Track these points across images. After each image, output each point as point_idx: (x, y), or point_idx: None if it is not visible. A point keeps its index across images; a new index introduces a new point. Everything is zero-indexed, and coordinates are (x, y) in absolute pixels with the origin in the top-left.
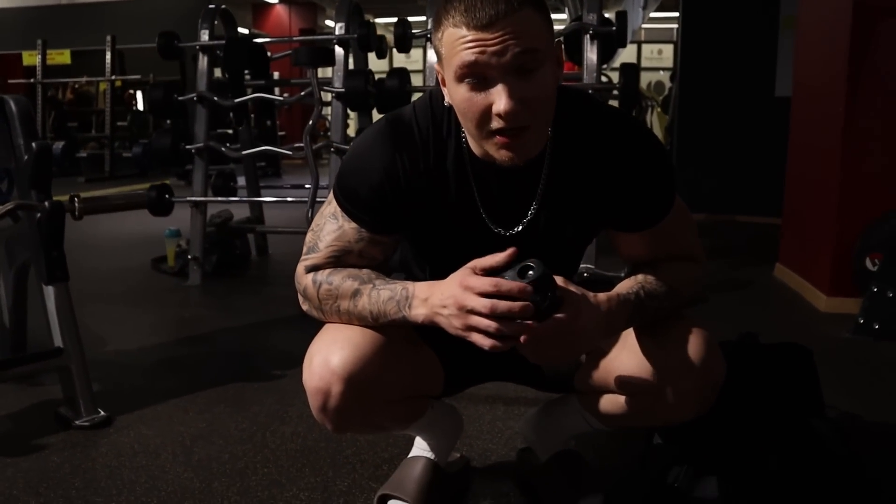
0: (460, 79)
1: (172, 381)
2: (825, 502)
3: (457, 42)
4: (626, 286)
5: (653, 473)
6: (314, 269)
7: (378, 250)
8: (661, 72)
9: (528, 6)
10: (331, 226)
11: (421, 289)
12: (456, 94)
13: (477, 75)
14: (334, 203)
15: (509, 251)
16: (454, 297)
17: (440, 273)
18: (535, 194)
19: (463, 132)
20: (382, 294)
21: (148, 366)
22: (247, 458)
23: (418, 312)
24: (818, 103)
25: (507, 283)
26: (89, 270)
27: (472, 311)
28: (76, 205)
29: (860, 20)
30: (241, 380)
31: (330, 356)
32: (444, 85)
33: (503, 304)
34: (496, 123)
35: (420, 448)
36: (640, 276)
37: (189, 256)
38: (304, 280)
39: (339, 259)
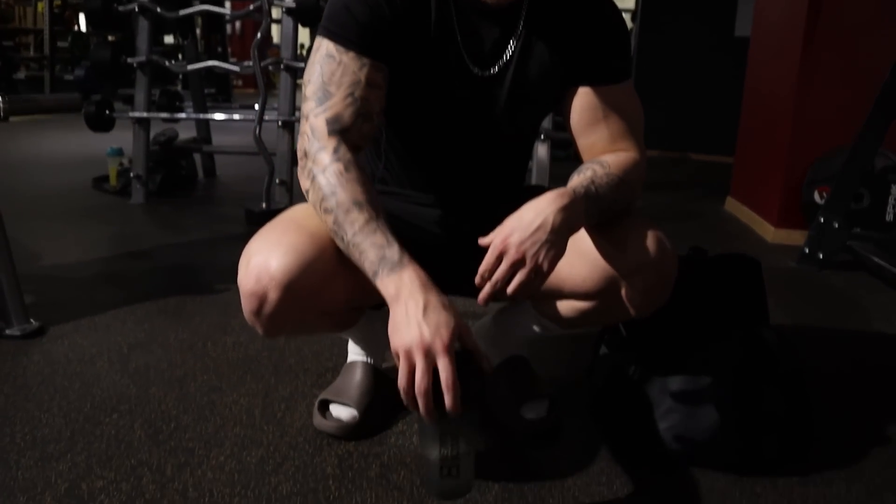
0: None
1: (111, 293)
2: (769, 408)
3: None
4: (576, 181)
5: (598, 380)
6: (337, 125)
7: (376, 95)
8: (623, 12)
9: None
10: (329, 66)
11: (416, 270)
12: None
13: None
14: (325, 43)
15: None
16: (445, 322)
17: (413, 140)
18: (511, 36)
19: None
20: (376, 238)
21: (85, 279)
22: (186, 366)
23: (390, 279)
24: (776, 41)
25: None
26: (27, 189)
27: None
28: (2, 105)
29: None
30: (183, 293)
31: (270, 259)
32: None
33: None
34: None
35: (355, 353)
36: (588, 171)
37: (132, 175)
38: (323, 158)
39: (356, 99)
